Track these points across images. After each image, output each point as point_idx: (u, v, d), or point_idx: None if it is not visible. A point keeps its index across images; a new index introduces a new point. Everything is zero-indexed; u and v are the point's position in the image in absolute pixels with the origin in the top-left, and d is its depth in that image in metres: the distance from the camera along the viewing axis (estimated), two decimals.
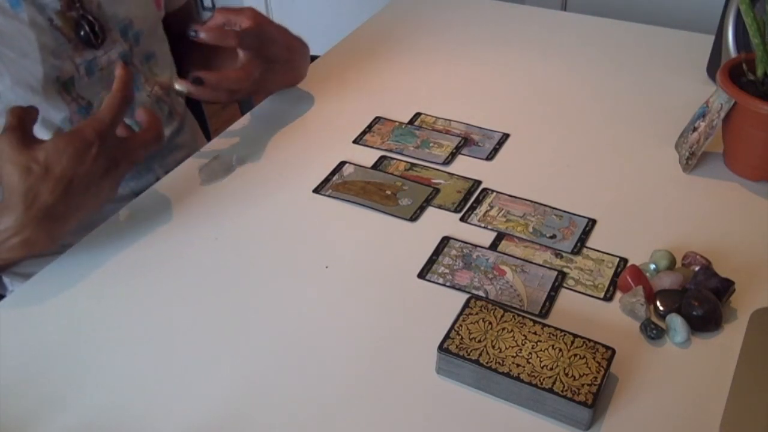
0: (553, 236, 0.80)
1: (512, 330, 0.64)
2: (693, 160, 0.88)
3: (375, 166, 0.91)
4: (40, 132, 0.84)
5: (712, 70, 1.05)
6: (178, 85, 0.86)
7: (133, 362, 0.67)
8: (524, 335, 0.64)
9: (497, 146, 0.95)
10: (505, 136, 0.97)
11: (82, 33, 0.86)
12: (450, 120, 1.00)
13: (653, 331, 0.67)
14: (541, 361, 0.62)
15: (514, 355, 0.62)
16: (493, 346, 0.63)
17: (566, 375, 0.61)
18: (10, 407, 0.63)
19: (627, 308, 0.70)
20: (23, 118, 0.71)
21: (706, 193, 0.86)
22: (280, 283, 0.75)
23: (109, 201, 0.77)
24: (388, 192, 0.87)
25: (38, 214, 0.70)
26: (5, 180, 0.70)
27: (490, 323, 0.65)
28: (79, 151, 0.70)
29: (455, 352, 0.63)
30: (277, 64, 0.95)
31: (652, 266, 0.74)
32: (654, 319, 0.69)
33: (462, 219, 0.83)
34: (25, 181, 0.69)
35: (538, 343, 0.63)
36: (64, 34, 0.84)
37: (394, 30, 1.25)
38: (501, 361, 0.62)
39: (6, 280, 0.94)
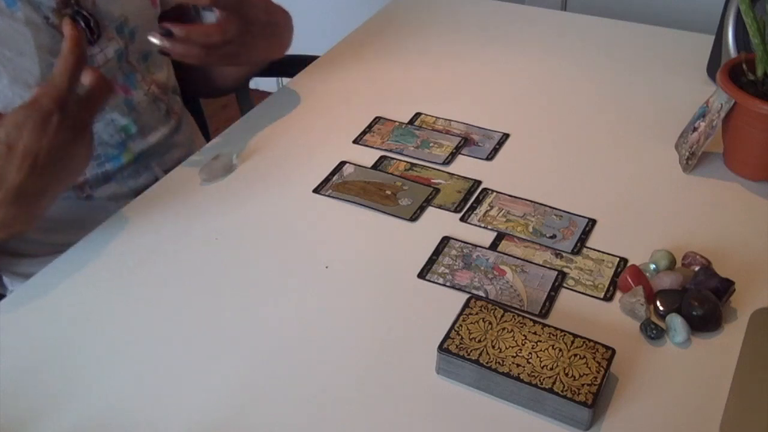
0: (553, 236, 0.80)
1: (512, 330, 0.64)
2: (693, 160, 0.88)
3: (375, 166, 0.91)
4: None
5: (712, 70, 1.05)
6: (152, 38, 0.83)
7: (132, 362, 0.67)
8: (524, 335, 0.64)
9: (497, 146, 0.95)
10: (505, 136, 0.97)
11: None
12: (450, 120, 1.00)
13: (653, 331, 0.67)
14: (541, 361, 0.62)
15: (514, 355, 0.62)
16: (493, 346, 0.63)
17: (566, 375, 0.61)
18: (10, 407, 0.63)
19: (627, 308, 0.70)
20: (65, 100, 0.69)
21: (706, 193, 0.86)
22: (280, 283, 0.75)
23: (86, 163, 0.74)
24: (388, 192, 0.87)
25: (8, 195, 0.68)
26: None
27: (490, 323, 0.65)
28: (39, 124, 0.68)
29: (455, 352, 0.63)
30: (255, 26, 0.92)
31: (652, 266, 0.74)
32: (654, 319, 0.69)
33: (462, 219, 0.83)
34: None
35: (538, 343, 0.63)
36: (60, 32, 0.84)
37: (394, 30, 1.25)
38: (501, 361, 0.62)
39: (6, 280, 0.94)
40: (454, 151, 0.94)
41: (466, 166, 0.91)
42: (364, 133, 0.98)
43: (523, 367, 0.61)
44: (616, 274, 0.75)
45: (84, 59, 0.71)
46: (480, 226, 0.81)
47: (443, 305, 0.71)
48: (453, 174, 0.90)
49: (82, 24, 0.86)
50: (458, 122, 1.00)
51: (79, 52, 0.71)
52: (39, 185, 0.70)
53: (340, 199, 0.86)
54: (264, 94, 1.12)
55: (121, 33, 0.92)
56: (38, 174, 0.69)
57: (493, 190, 0.87)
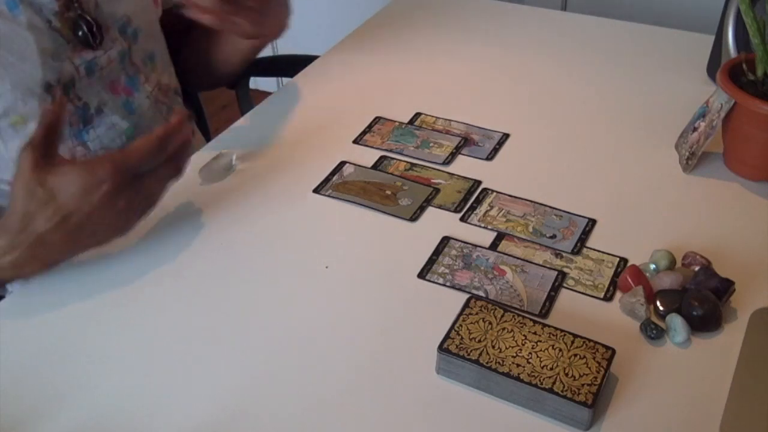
0: (553, 236, 0.80)
1: (512, 330, 0.64)
2: (693, 160, 0.88)
3: (375, 166, 0.91)
4: None
5: (712, 70, 1.05)
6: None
7: (132, 362, 0.67)
8: (524, 335, 0.64)
9: (497, 146, 0.95)
10: (505, 136, 0.97)
11: (80, 33, 0.85)
12: (450, 120, 1.00)
13: (653, 331, 0.67)
14: (541, 361, 0.62)
15: (514, 355, 0.62)
16: (493, 346, 0.63)
17: (566, 375, 0.61)
18: (10, 407, 0.63)
19: (627, 308, 0.70)
20: (49, 131, 0.69)
21: (706, 193, 0.87)
22: (280, 283, 0.75)
23: (117, 236, 0.74)
24: (388, 192, 0.87)
25: (29, 238, 0.68)
26: (12, 197, 0.69)
27: (490, 323, 0.65)
28: (87, 188, 0.68)
29: (455, 352, 0.63)
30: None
31: (652, 266, 0.74)
32: (654, 319, 0.69)
33: (462, 219, 0.83)
34: (26, 204, 0.68)
35: (538, 343, 0.63)
36: (62, 36, 0.84)
37: (394, 30, 1.25)
38: (501, 361, 0.62)
39: None
40: (454, 151, 0.94)
41: (466, 166, 0.91)
42: (364, 133, 0.98)
43: (523, 367, 0.61)
44: (616, 274, 0.75)
45: (165, 149, 0.71)
46: (480, 226, 0.81)
47: (443, 305, 0.71)
48: (453, 174, 0.90)
49: (85, 28, 0.86)
50: (458, 122, 1.00)
51: (165, 140, 0.71)
52: (61, 241, 0.70)
53: (340, 199, 0.86)
54: (264, 94, 1.12)
55: (124, 34, 0.92)
56: (64, 231, 0.69)
57: (493, 190, 0.87)
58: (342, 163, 0.91)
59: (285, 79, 1.16)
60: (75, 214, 0.69)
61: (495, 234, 0.80)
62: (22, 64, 0.81)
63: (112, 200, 0.69)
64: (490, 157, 0.93)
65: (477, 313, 0.66)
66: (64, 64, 0.85)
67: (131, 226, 0.73)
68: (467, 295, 0.70)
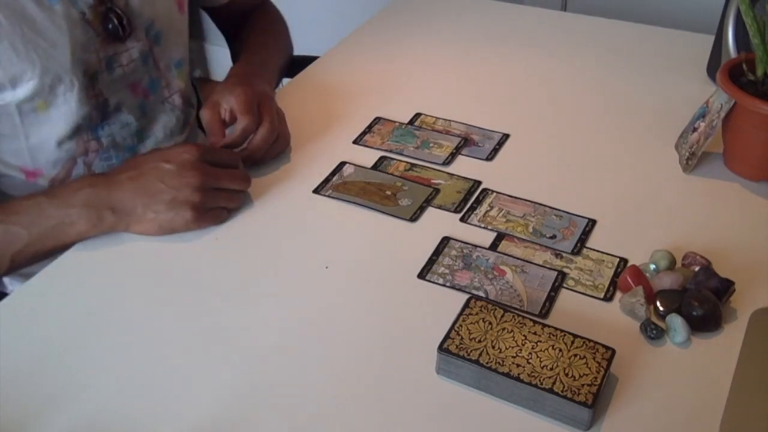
0: (553, 236, 0.80)
1: (512, 330, 0.64)
2: (693, 160, 0.88)
3: (375, 167, 0.91)
4: (59, 124, 0.86)
5: (712, 70, 1.05)
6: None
7: (132, 362, 0.67)
8: (524, 335, 0.64)
9: (497, 146, 0.95)
10: (505, 136, 0.97)
11: (110, 26, 0.87)
12: (450, 120, 1.00)
13: (653, 331, 0.67)
14: (541, 362, 0.62)
15: (514, 355, 0.62)
16: (493, 347, 0.63)
17: (566, 375, 0.61)
18: (10, 407, 0.63)
19: (627, 308, 0.70)
20: (210, 154, 0.80)
21: (706, 193, 0.87)
22: (280, 283, 0.75)
23: (175, 224, 0.80)
24: (388, 192, 0.87)
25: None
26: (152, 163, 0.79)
27: (490, 323, 0.65)
28: (172, 151, 0.80)
29: (455, 352, 0.63)
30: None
31: (652, 266, 0.74)
32: (654, 319, 0.69)
33: (462, 219, 0.83)
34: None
35: (538, 344, 0.63)
36: (93, 28, 0.86)
37: (394, 30, 1.25)
38: (501, 362, 0.62)
39: (6, 279, 0.94)
40: (454, 151, 0.94)
41: (466, 166, 0.91)
42: (364, 133, 0.98)
43: (523, 367, 0.61)
44: (616, 274, 0.75)
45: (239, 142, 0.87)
46: (480, 227, 0.81)
47: (443, 305, 0.71)
48: (453, 174, 0.90)
49: (116, 21, 0.87)
50: (458, 122, 1.00)
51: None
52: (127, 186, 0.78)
53: (340, 199, 0.86)
54: None
55: (147, 35, 0.93)
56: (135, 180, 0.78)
57: (493, 191, 0.87)
58: (342, 164, 0.91)
59: (285, 79, 1.16)
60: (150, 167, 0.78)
61: (495, 234, 0.80)
62: (53, 51, 0.83)
63: (187, 168, 0.78)
64: (490, 157, 0.93)
65: (477, 314, 0.66)
66: (92, 56, 0.86)
67: (188, 219, 0.79)
68: (467, 296, 0.70)
